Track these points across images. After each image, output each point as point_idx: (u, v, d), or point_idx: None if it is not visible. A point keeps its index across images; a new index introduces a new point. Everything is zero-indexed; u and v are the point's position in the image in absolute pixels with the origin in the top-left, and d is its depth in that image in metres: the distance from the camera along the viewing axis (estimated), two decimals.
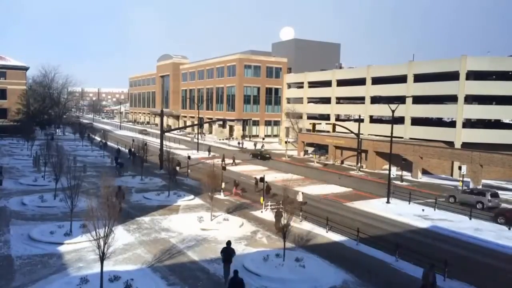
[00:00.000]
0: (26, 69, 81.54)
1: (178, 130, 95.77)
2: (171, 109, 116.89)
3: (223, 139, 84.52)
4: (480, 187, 42.02)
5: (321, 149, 64.65)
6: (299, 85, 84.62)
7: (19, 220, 26.66)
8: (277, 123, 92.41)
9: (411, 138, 56.81)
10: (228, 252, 18.92)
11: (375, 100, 64.41)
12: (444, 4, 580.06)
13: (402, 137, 56.87)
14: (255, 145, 75.29)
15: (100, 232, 15.65)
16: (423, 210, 32.75)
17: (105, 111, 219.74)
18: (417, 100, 58.03)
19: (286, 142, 69.75)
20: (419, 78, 57.16)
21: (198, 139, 70.19)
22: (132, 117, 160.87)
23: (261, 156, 61.72)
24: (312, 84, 79.99)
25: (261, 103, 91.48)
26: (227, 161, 52.34)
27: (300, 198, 31.99)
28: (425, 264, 18.42)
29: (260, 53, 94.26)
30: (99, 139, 72.19)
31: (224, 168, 39.64)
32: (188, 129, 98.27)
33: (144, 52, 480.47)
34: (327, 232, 26.35)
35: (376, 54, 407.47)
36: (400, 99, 57.88)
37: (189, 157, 50.43)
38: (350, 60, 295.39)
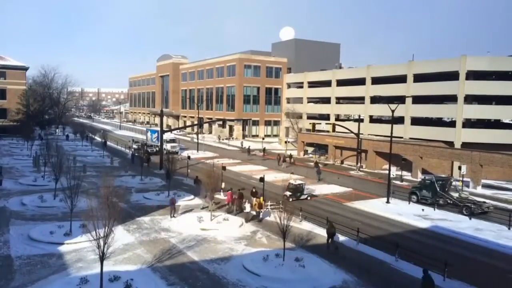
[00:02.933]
0: (26, 69, 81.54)
1: (178, 130, 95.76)
2: (171, 109, 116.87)
3: (222, 139, 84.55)
4: (480, 187, 42.08)
5: (321, 149, 64.64)
6: (299, 85, 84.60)
7: (19, 220, 26.69)
8: (277, 123, 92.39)
9: (411, 138, 56.79)
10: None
11: (375, 100, 64.38)
12: (444, 4, 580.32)
13: (402, 137, 56.85)
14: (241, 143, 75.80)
15: (100, 232, 15.67)
16: (423, 210, 32.74)
17: (104, 111, 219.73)
18: (417, 100, 57.99)
19: (286, 142, 69.73)
20: (419, 78, 57.13)
21: (198, 139, 70.20)
22: (132, 117, 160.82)
23: None
24: (312, 84, 79.97)
25: (261, 103, 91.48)
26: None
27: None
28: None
29: (260, 53, 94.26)
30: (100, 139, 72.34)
31: (224, 168, 39.63)
32: (188, 129, 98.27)
33: (144, 52, 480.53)
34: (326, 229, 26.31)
35: (376, 54, 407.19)
36: (400, 99, 57.83)
37: (189, 157, 50.40)
38: (350, 60, 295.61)
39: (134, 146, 63.68)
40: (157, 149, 58.94)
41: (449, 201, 34.18)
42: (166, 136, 62.61)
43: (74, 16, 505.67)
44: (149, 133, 73.21)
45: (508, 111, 52.97)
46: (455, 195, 34.80)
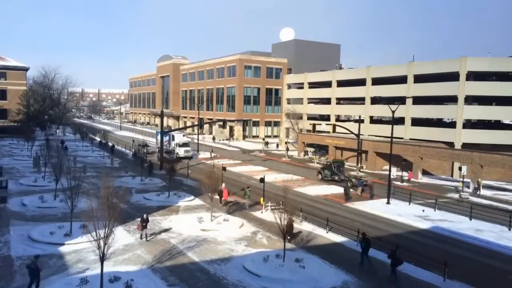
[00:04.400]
0: (26, 69, 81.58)
1: (178, 131, 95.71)
2: (171, 110, 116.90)
3: (223, 140, 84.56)
4: (477, 186, 42.06)
5: (321, 149, 64.65)
6: (299, 86, 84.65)
7: (19, 220, 26.68)
8: (277, 123, 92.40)
9: (411, 139, 56.80)
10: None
11: (375, 100, 64.41)
12: (444, 4, 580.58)
13: (402, 138, 56.87)
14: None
15: (100, 233, 15.66)
16: (423, 210, 32.72)
17: (105, 111, 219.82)
18: (417, 100, 58.03)
19: (286, 143, 69.71)
20: (419, 78, 57.16)
21: (198, 139, 70.19)
22: (132, 118, 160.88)
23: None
24: (312, 85, 80.00)
25: (261, 104, 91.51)
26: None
27: None
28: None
29: (260, 54, 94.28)
30: (99, 139, 72.33)
31: (224, 169, 39.63)
32: (188, 130, 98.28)
33: (144, 53, 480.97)
34: (327, 232, 26.34)
35: (376, 54, 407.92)
36: (400, 100, 57.88)
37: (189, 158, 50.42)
38: (350, 60, 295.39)
39: (144, 149, 59.88)
40: (177, 155, 55.09)
41: (342, 178, 43.27)
42: (178, 139, 59.30)
43: (74, 16, 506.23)
44: (159, 137, 65.84)
45: (509, 112, 52.98)
46: (346, 173, 45.00)
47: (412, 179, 46.68)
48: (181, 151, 57.36)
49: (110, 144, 66.01)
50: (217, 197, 31.14)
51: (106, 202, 16.07)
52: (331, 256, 22.19)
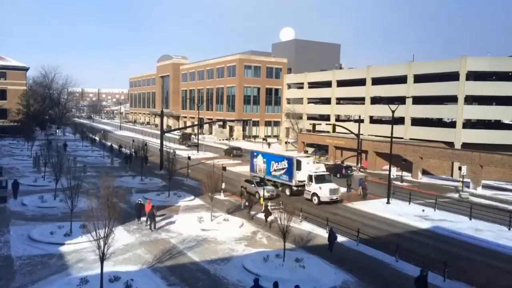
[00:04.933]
0: (26, 69, 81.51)
1: (178, 131, 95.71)
2: (171, 110, 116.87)
3: (223, 140, 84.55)
4: (480, 187, 42.06)
5: (321, 149, 64.65)
6: (299, 86, 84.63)
7: (19, 220, 26.70)
8: (277, 123, 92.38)
9: (411, 139, 56.78)
10: None
11: (375, 100, 64.39)
12: (444, 4, 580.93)
13: (402, 138, 56.86)
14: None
15: (100, 233, 15.67)
16: (423, 210, 32.73)
17: (105, 111, 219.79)
18: (417, 100, 58.01)
19: (286, 143, 69.71)
20: (419, 78, 57.15)
21: (198, 139, 70.16)
22: (132, 118, 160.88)
23: None
24: (312, 85, 79.99)
25: (261, 104, 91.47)
26: None
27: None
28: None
29: (260, 54, 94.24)
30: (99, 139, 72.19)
31: (224, 169, 39.63)
32: (188, 130, 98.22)
33: (144, 52, 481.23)
34: (327, 232, 26.30)
35: (376, 54, 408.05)
36: (400, 100, 57.87)
37: (189, 158, 50.35)
38: (350, 60, 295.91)
39: (256, 188, 35.63)
40: (314, 197, 33.47)
41: (189, 144, 62.70)
42: (311, 168, 35.47)
43: (74, 16, 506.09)
44: (260, 158, 40.16)
45: (508, 112, 52.98)
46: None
47: (367, 169, 46.33)
48: (324, 192, 33.55)
49: (124, 150, 61.81)
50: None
51: (106, 201, 16.08)
52: (331, 256, 22.19)
